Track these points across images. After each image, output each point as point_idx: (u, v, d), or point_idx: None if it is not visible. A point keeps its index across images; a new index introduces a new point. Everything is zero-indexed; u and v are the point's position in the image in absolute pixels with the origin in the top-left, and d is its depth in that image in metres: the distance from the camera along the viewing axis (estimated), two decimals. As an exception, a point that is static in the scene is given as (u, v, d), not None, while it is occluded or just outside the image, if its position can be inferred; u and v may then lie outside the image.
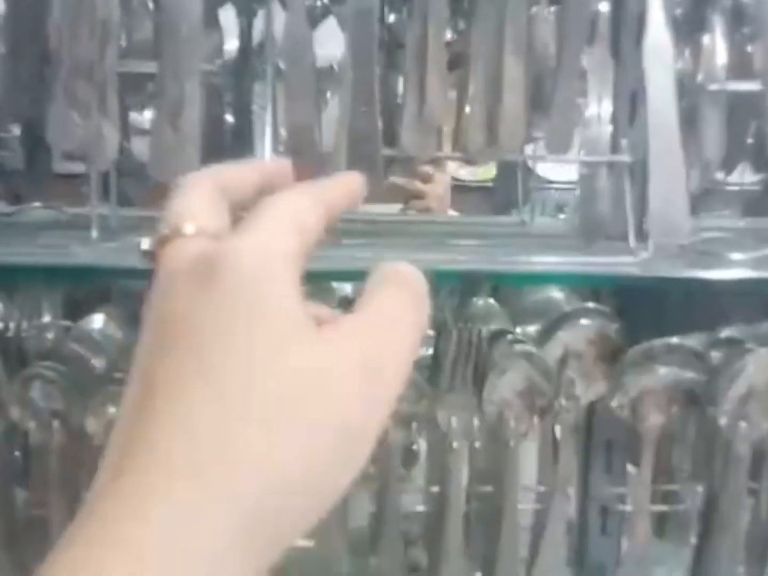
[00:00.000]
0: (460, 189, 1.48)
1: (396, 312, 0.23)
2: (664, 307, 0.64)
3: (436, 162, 1.11)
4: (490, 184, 1.56)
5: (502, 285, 0.63)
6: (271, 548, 0.21)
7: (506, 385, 0.57)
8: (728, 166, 0.74)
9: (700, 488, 0.68)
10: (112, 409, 0.60)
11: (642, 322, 0.63)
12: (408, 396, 0.59)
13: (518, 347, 0.56)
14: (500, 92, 0.55)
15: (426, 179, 1.11)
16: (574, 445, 0.65)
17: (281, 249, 0.22)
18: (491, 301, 0.68)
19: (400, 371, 0.23)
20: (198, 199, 0.24)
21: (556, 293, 0.71)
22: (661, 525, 0.70)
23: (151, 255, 0.24)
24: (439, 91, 0.55)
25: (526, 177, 0.83)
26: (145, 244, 0.24)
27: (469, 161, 0.63)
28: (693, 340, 0.59)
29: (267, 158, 0.59)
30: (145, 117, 0.68)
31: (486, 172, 1.71)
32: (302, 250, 0.23)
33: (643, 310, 0.65)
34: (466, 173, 1.91)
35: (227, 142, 0.75)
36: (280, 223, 0.23)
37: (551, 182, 1.18)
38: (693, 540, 0.69)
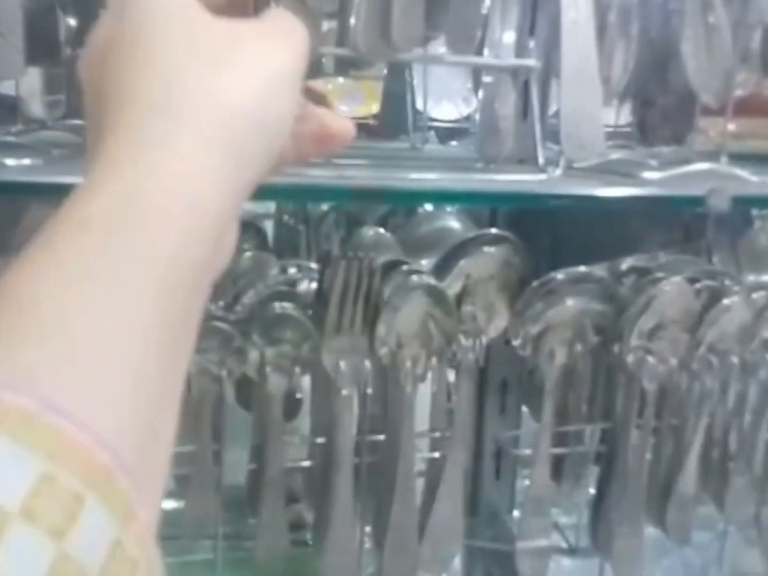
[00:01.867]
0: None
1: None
2: (568, 234, 0.60)
3: (321, 99, 1.00)
4: (370, 121, 1.49)
5: (397, 204, 0.56)
6: (249, 168, 0.25)
7: (402, 322, 0.50)
8: (627, 86, 0.69)
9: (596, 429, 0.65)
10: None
11: (544, 249, 0.58)
12: (289, 338, 0.51)
13: (415, 279, 0.49)
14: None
15: None
16: (471, 388, 0.59)
17: None
18: (381, 230, 0.61)
19: (301, 36, 0.27)
20: None
21: (453, 223, 0.65)
22: (557, 467, 0.67)
23: None
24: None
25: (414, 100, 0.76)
26: None
27: (356, 62, 0.55)
28: (600, 270, 0.55)
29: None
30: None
31: (366, 108, 1.65)
32: None
33: (547, 238, 0.60)
34: (347, 109, 1.84)
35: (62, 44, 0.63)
36: None
37: (433, 119, 1.12)
38: (588, 482, 0.67)
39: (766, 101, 0.81)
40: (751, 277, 0.65)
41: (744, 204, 0.47)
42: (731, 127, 0.78)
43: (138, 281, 0.21)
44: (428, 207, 0.72)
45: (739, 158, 0.59)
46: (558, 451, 0.63)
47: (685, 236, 0.61)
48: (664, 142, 0.81)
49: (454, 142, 0.90)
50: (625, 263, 0.56)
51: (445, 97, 1.16)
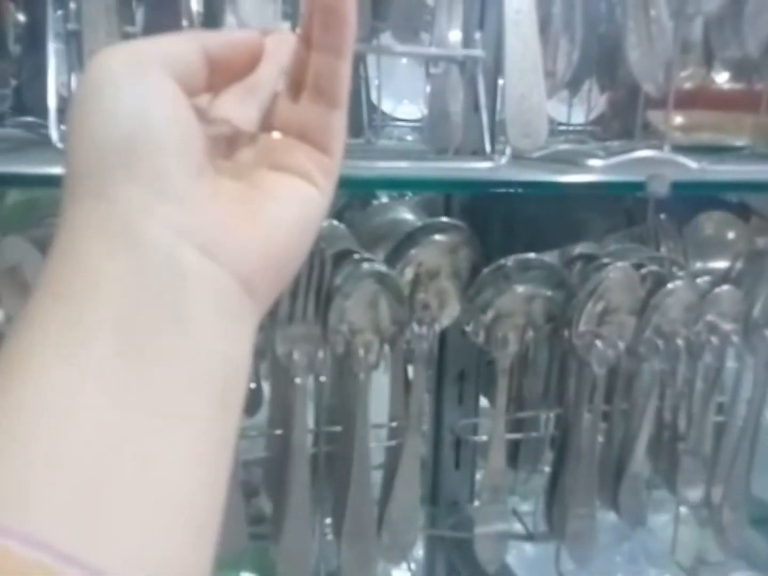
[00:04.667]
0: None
1: None
2: (520, 222, 0.61)
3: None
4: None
5: (342, 191, 0.56)
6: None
7: (353, 310, 0.50)
8: (576, 81, 0.71)
9: (552, 415, 0.66)
10: None
11: (497, 240, 0.59)
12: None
13: (366, 266, 0.50)
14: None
15: None
16: (426, 377, 0.60)
17: (139, 48, 0.24)
18: (336, 222, 0.61)
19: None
20: None
21: (407, 215, 0.66)
22: (514, 454, 0.69)
23: None
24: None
25: (369, 96, 0.77)
26: None
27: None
28: (549, 256, 0.56)
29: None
30: None
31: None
32: (164, 56, 0.24)
33: (499, 226, 0.61)
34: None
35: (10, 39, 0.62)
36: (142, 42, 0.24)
37: (394, 119, 1.13)
38: (544, 467, 0.68)
39: (713, 94, 0.83)
40: (698, 264, 0.66)
41: (683, 189, 0.49)
42: (680, 119, 0.80)
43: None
44: (383, 199, 0.73)
45: (690, 150, 0.60)
46: (513, 437, 0.64)
47: (629, 221, 0.63)
48: (615, 135, 0.82)
49: (409, 137, 0.91)
50: (572, 249, 0.57)
51: (406, 97, 1.17)
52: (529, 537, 0.70)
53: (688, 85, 0.81)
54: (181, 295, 0.21)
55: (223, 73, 0.26)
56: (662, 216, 0.67)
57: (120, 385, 0.20)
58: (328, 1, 0.25)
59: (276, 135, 0.27)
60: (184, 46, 0.25)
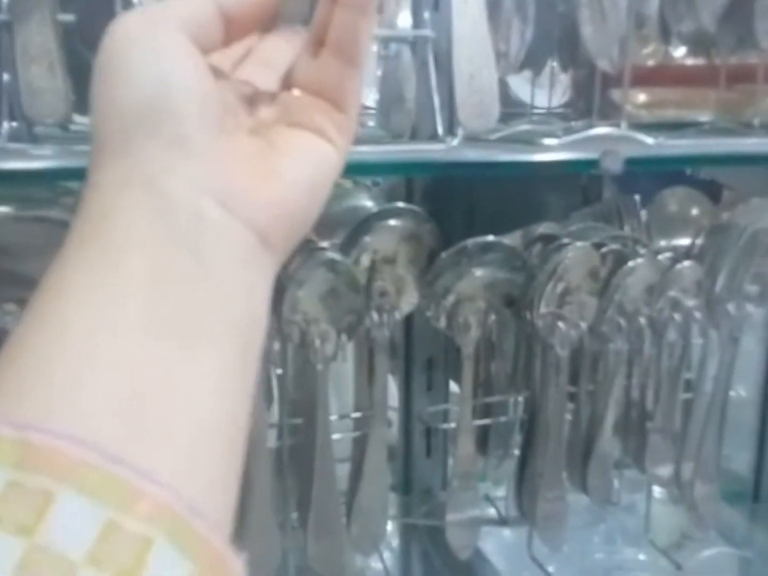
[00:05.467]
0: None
1: None
2: (481, 206, 0.60)
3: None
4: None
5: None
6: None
7: (307, 300, 0.49)
8: (537, 61, 0.70)
9: (521, 398, 0.66)
10: None
11: (460, 224, 0.58)
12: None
13: (319, 255, 0.49)
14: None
15: None
16: (389, 365, 0.59)
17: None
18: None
19: None
20: None
21: (366, 201, 0.65)
22: (484, 439, 0.68)
23: None
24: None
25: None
26: None
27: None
28: (509, 238, 0.55)
29: None
30: None
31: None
32: (180, 17, 0.24)
33: (461, 210, 0.60)
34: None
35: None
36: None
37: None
38: (515, 452, 0.67)
39: (675, 70, 0.83)
40: (662, 241, 0.66)
41: (638, 165, 0.48)
42: (644, 97, 0.79)
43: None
44: (343, 185, 0.72)
45: (652, 127, 0.60)
46: (482, 422, 0.63)
47: (585, 200, 0.62)
48: (580, 115, 0.82)
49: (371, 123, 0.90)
50: (532, 231, 0.56)
51: (365, 85, 1.17)
52: (502, 522, 0.69)
53: (650, 63, 0.80)
54: (203, 243, 0.23)
55: (239, 28, 0.27)
56: (634, 195, 0.66)
57: (149, 310, 0.21)
58: None
59: (295, 93, 0.28)
60: (199, 6, 0.25)
